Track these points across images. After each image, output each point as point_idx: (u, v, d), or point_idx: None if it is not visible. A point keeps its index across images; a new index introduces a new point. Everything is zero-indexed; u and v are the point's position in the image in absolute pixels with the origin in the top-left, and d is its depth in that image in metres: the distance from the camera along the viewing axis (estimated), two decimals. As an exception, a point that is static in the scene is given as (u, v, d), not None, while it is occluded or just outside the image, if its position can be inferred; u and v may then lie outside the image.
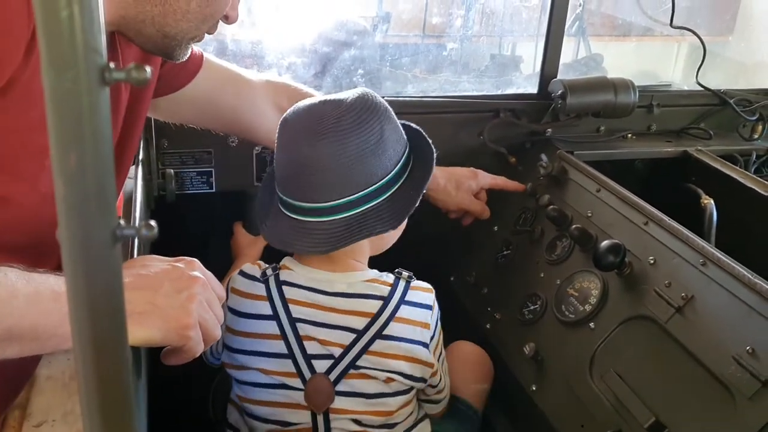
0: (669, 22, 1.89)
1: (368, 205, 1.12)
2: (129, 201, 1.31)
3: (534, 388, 1.37)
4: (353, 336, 1.14)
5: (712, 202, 1.57)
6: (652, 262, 1.30)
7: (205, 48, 2.18)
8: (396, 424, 1.20)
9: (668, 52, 3.41)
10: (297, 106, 1.16)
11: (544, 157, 1.69)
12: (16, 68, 0.85)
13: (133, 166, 1.47)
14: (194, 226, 1.70)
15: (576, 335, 1.35)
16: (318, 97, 1.17)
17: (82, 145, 0.34)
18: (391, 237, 1.22)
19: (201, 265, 0.95)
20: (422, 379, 1.19)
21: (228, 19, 1.11)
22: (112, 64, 0.34)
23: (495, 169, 1.80)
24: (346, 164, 1.08)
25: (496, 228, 1.72)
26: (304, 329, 1.14)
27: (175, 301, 0.87)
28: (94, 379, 0.39)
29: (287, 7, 2.44)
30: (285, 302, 1.15)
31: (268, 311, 1.16)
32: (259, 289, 1.18)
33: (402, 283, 1.19)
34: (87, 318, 0.37)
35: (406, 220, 1.16)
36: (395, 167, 1.14)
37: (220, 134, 1.53)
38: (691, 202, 1.62)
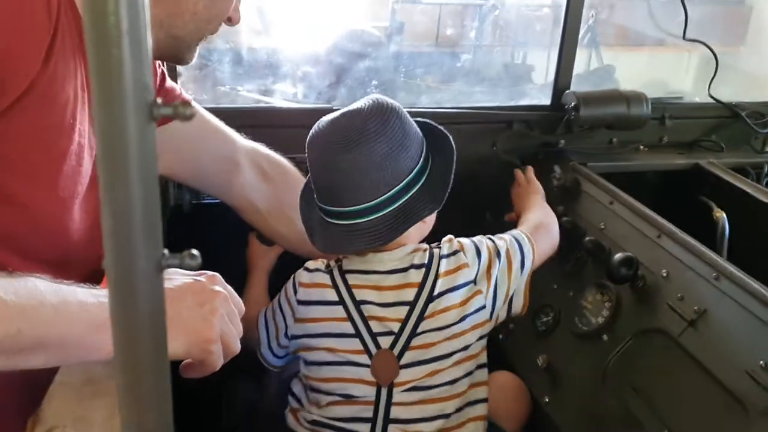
0: (682, 34, 1.89)
1: (409, 194, 1.20)
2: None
3: (547, 400, 1.38)
4: (407, 308, 1.22)
5: (725, 215, 1.58)
6: (664, 275, 1.30)
7: (221, 59, 2.22)
8: (458, 379, 1.25)
9: (679, 62, 3.40)
10: (319, 123, 1.22)
11: (557, 168, 1.70)
12: (35, 74, 0.86)
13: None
14: (210, 236, 1.70)
15: (589, 347, 1.35)
16: (337, 112, 1.23)
17: (130, 179, 0.35)
18: (431, 222, 1.30)
19: (222, 279, 0.97)
20: (480, 308, 1.25)
21: (231, 21, 1.13)
22: (159, 100, 0.35)
23: (508, 180, 1.81)
24: (378, 164, 1.17)
25: (508, 239, 1.73)
26: (368, 310, 1.23)
27: (198, 315, 0.89)
28: (135, 400, 0.40)
29: (302, 17, 2.46)
30: (349, 288, 1.25)
31: (335, 297, 1.25)
32: (324, 278, 1.27)
33: (434, 249, 1.28)
34: (130, 344, 0.39)
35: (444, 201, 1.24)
36: (421, 156, 1.23)
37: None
38: (703, 215, 1.62)
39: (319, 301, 1.26)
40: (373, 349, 1.23)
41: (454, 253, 1.27)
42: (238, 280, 1.50)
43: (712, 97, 1.95)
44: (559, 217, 1.56)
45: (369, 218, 1.20)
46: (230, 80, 2.16)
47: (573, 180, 1.64)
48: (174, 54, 1.09)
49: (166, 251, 0.37)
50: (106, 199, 0.35)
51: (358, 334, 1.23)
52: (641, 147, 1.88)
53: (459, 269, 1.25)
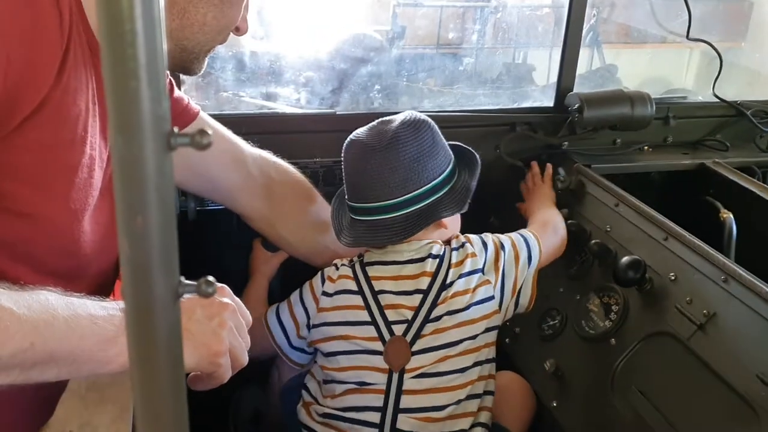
0: (684, 33, 1.89)
1: (432, 198, 1.31)
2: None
3: (555, 404, 1.38)
4: (421, 296, 1.30)
5: (731, 215, 1.57)
6: (672, 278, 1.30)
7: (224, 67, 2.21)
8: (467, 368, 1.30)
9: (681, 59, 3.41)
10: (358, 131, 1.35)
11: (561, 170, 1.69)
12: (49, 88, 0.87)
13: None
14: (215, 243, 1.71)
15: (597, 351, 1.35)
16: (374, 122, 1.35)
17: (147, 208, 0.35)
18: (452, 227, 1.38)
19: (230, 291, 0.97)
20: (489, 298, 1.32)
21: (239, 31, 1.14)
22: (176, 129, 0.35)
23: (512, 182, 1.81)
24: (409, 165, 1.28)
25: (513, 242, 1.73)
26: (385, 299, 1.31)
27: (207, 329, 0.89)
28: (153, 425, 0.40)
29: (303, 22, 2.45)
30: (368, 279, 1.33)
31: (354, 287, 1.33)
32: (347, 271, 1.36)
33: (446, 245, 1.35)
34: (148, 370, 0.38)
35: (466, 207, 1.35)
36: (448, 167, 1.34)
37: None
38: (708, 216, 1.62)
39: (341, 290, 1.34)
40: (387, 336, 1.29)
41: (462, 245, 1.35)
42: (242, 286, 1.50)
43: (716, 96, 1.94)
44: (564, 220, 1.56)
45: (391, 215, 1.30)
46: (233, 86, 2.16)
47: (577, 182, 1.63)
48: (183, 65, 1.09)
49: (182, 278, 0.37)
50: (123, 228, 0.35)
51: (373, 322, 1.30)
52: (645, 147, 1.87)
53: (466, 258, 1.32)
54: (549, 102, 1.89)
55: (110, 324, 0.83)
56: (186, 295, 0.90)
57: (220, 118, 1.44)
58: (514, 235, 1.40)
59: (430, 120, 1.35)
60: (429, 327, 1.29)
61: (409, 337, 1.29)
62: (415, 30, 3.01)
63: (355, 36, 2.50)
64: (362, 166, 1.31)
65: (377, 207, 1.31)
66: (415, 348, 1.28)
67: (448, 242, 1.36)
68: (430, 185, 1.30)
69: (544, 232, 1.45)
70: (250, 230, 1.63)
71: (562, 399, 1.37)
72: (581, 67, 1.94)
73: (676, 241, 1.35)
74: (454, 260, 1.32)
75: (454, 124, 1.79)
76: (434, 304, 1.29)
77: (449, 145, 1.39)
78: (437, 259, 1.32)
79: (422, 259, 1.32)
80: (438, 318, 1.29)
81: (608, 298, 1.39)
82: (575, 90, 1.83)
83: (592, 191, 1.61)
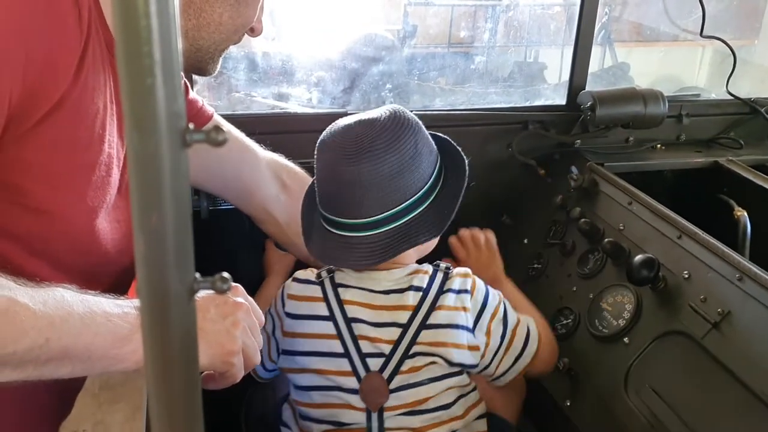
0: (698, 31, 1.88)
1: (409, 216, 1.15)
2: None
3: (568, 404, 1.37)
4: (400, 330, 1.17)
5: (746, 213, 1.56)
6: (686, 276, 1.29)
7: (235, 66, 2.22)
8: (450, 404, 1.21)
9: (693, 56, 3.39)
10: (332, 126, 1.18)
11: (574, 169, 1.69)
12: (67, 86, 0.87)
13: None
14: (227, 242, 1.71)
15: (610, 350, 1.34)
16: (353, 117, 1.18)
17: (163, 205, 0.35)
18: (431, 245, 1.24)
19: (244, 291, 0.97)
20: (472, 365, 1.21)
21: (254, 32, 1.13)
22: (191, 125, 0.35)
23: (524, 181, 1.81)
24: (383, 181, 1.12)
25: (526, 241, 1.72)
26: (359, 329, 1.18)
27: (221, 328, 0.89)
28: (168, 424, 0.40)
29: (315, 22, 2.45)
30: (341, 303, 1.19)
31: (325, 312, 1.20)
32: (315, 291, 1.22)
33: (440, 274, 1.22)
34: (163, 367, 0.38)
35: (449, 222, 1.18)
36: (430, 178, 1.17)
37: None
38: (723, 214, 1.61)
39: (309, 315, 1.21)
40: (362, 372, 1.17)
41: (463, 291, 1.20)
42: (255, 285, 1.50)
43: (730, 94, 1.93)
44: (576, 219, 1.55)
45: (365, 234, 1.15)
46: (245, 86, 2.17)
47: (590, 180, 1.62)
48: (197, 65, 1.09)
49: (198, 275, 0.37)
50: (139, 224, 0.35)
51: (347, 354, 1.18)
52: (658, 145, 1.86)
53: (458, 310, 1.18)
54: (561, 100, 1.88)
55: (125, 321, 0.84)
56: (201, 293, 0.91)
57: (233, 118, 1.44)
58: (524, 319, 1.26)
59: (412, 119, 1.18)
60: (408, 363, 1.17)
61: (386, 374, 1.17)
62: (427, 29, 3.01)
63: (366, 35, 2.50)
64: (334, 177, 1.16)
65: (348, 224, 1.16)
66: (393, 386, 1.17)
67: (445, 266, 1.23)
68: (406, 203, 1.14)
69: (546, 346, 1.28)
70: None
71: (575, 398, 1.36)
72: (593, 66, 1.93)
73: (690, 240, 1.34)
74: (446, 302, 1.18)
75: (466, 122, 1.79)
76: (414, 341, 1.17)
77: (434, 137, 1.24)
78: (419, 292, 1.18)
79: (402, 291, 1.19)
80: (418, 355, 1.17)
81: (621, 296, 1.38)
82: (587, 88, 1.82)
83: (605, 189, 1.60)
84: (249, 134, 1.44)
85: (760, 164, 1.79)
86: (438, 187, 1.19)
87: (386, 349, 1.17)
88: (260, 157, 1.42)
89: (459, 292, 1.19)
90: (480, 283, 1.23)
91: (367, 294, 1.20)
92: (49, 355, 0.79)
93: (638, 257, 1.30)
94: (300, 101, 2.20)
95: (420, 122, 1.20)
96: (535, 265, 1.66)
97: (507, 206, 1.83)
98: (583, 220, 1.53)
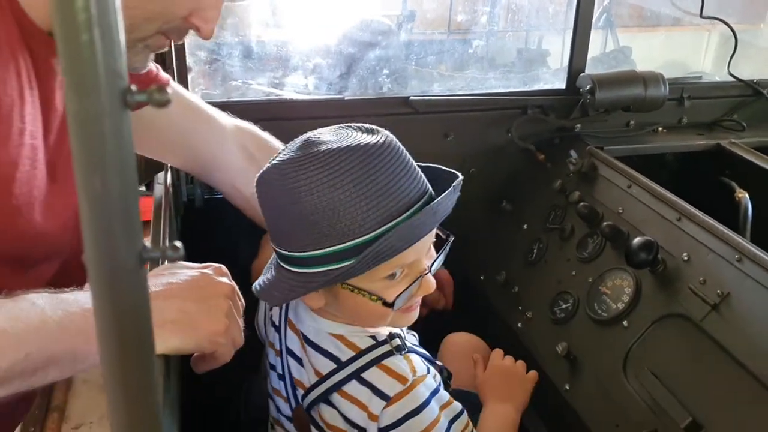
0: (699, 12, 1.85)
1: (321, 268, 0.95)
2: (158, 207, 1.32)
3: (567, 388, 1.36)
4: (308, 386, 1.07)
5: (747, 195, 1.54)
6: (686, 258, 1.28)
7: (230, 53, 2.21)
8: None
9: (698, 41, 3.35)
10: (310, 136, 0.99)
11: (573, 153, 1.67)
12: None
13: (162, 172, 1.48)
14: (222, 230, 1.70)
15: (609, 334, 1.33)
16: (287, 152, 0.98)
17: (106, 169, 0.33)
18: (373, 309, 0.99)
19: (227, 271, 0.96)
20: None
21: (200, 32, 0.94)
22: (133, 87, 0.34)
23: (524, 165, 1.79)
24: (305, 216, 0.93)
25: (525, 226, 1.71)
26: (289, 358, 1.11)
27: (204, 308, 0.88)
28: (123, 399, 0.39)
29: (311, 8, 2.44)
30: (286, 322, 1.12)
31: (278, 321, 1.14)
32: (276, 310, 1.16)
33: (376, 352, 1.02)
34: (114, 338, 0.37)
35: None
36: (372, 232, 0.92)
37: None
38: (724, 196, 1.59)
39: (271, 320, 1.16)
40: (293, 403, 1.09)
41: (381, 395, 1.00)
42: (249, 274, 1.49)
43: (732, 75, 1.90)
44: (575, 203, 1.53)
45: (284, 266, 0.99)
46: (241, 74, 2.15)
47: (590, 164, 1.61)
48: None
49: (147, 243, 0.36)
50: (83, 190, 0.34)
51: (284, 377, 1.11)
52: (659, 129, 1.84)
53: (360, 407, 1.01)
54: (561, 84, 1.86)
55: None
56: (184, 275, 0.89)
57: (229, 106, 1.43)
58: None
59: (370, 155, 0.91)
60: (312, 416, 1.06)
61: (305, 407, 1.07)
62: (425, 13, 2.98)
63: (363, 21, 2.48)
64: (262, 202, 1.00)
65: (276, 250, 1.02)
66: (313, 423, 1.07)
67: (397, 345, 1.02)
68: (329, 249, 0.93)
69: None
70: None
71: (574, 382, 1.35)
72: (594, 50, 1.92)
73: (690, 222, 1.32)
74: (348, 389, 1.01)
75: (465, 107, 1.78)
76: (313, 405, 1.05)
77: (424, 168, 1.00)
78: (335, 365, 1.03)
79: (320, 351, 1.05)
80: (317, 420, 1.07)
81: (621, 280, 1.37)
82: (587, 72, 1.80)
83: (604, 173, 1.58)
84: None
85: (762, 146, 1.77)
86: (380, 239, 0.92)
87: (299, 393, 1.08)
88: (225, 128, 1.35)
89: (376, 391, 1.00)
90: (418, 398, 1.00)
91: (299, 324, 1.09)
92: (34, 366, 0.78)
93: (637, 240, 1.29)
94: (296, 88, 2.19)
95: (390, 151, 0.94)
96: (535, 250, 1.64)
97: (506, 191, 1.82)
98: (581, 203, 1.51)
